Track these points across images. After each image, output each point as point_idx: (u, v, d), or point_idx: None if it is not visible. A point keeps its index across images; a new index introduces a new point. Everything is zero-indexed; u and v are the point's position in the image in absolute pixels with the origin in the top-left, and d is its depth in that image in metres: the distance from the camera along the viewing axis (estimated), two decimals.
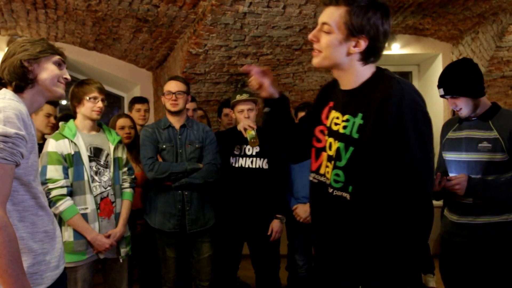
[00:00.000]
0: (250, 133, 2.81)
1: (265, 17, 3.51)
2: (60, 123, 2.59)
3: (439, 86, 2.21)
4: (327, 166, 1.51)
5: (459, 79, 2.15)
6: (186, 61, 4.03)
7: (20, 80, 1.54)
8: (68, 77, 1.66)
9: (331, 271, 1.52)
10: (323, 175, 1.53)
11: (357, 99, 1.45)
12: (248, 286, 3.98)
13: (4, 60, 1.58)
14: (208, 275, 2.92)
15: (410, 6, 4.35)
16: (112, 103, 5.94)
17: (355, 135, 1.41)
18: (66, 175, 2.39)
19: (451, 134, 2.29)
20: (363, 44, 1.40)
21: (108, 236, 2.48)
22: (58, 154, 2.38)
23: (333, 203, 1.47)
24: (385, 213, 1.38)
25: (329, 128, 1.52)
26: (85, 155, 2.44)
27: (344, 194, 1.44)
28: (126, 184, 2.68)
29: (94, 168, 2.47)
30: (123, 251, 2.57)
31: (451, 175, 2.21)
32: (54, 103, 3.30)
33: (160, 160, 2.85)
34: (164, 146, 2.85)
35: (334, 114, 1.52)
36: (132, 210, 2.69)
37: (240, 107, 2.98)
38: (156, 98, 5.35)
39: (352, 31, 1.38)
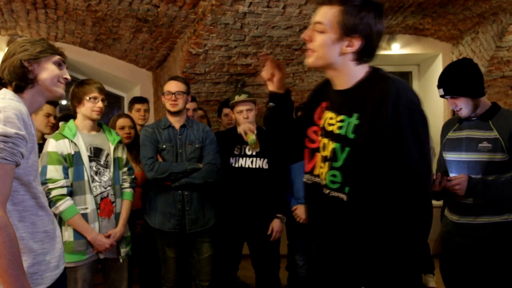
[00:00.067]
0: (251, 137, 2.81)
1: (265, 17, 3.51)
2: (60, 123, 2.59)
3: (439, 86, 2.21)
4: (321, 167, 1.50)
5: (459, 79, 2.15)
6: (186, 61, 4.03)
7: (20, 80, 1.54)
8: (68, 77, 1.66)
9: (331, 271, 1.52)
10: (318, 176, 1.52)
11: (352, 99, 1.44)
12: (248, 286, 3.98)
13: (4, 60, 1.58)
14: (208, 275, 2.92)
15: (410, 6, 4.35)
16: (112, 103, 5.94)
17: (351, 136, 1.41)
18: (66, 175, 2.39)
19: (451, 134, 2.29)
20: (356, 43, 1.39)
21: (108, 236, 2.48)
22: (58, 154, 2.38)
23: (329, 204, 1.47)
24: (384, 213, 1.38)
25: (323, 129, 1.51)
26: (85, 155, 2.44)
27: (341, 195, 1.43)
28: (126, 184, 2.68)
29: (94, 168, 2.48)
30: (123, 251, 2.57)
31: (451, 175, 2.21)
32: (53, 103, 3.30)
33: (160, 160, 2.85)
34: (164, 146, 2.85)
35: (328, 114, 1.51)
36: (132, 210, 2.69)
37: (239, 107, 2.99)
38: (156, 98, 5.35)
39: (345, 31, 1.38)
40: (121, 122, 3.29)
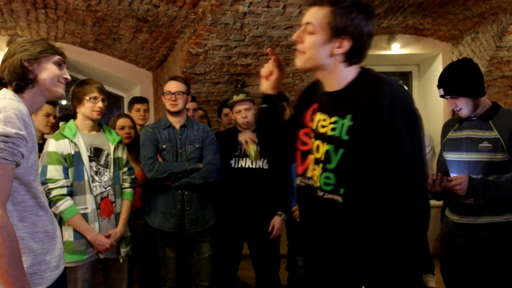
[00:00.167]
0: (251, 148, 2.81)
1: (265, 17, 3.51)
2: (61, 123, 2.59)
3: (439, 86, 2.21)
4: (314, 169, 1.49)
5: (459, 79, 2.15)
6: (186, 61, 4.03)
7: (20, 80, 1.54)
8: (68, 77, 1.66)
9: (329, 272, 1.52)
10: (310, 178, 1.51)
11: (344, 100, 1.43)
12: (248, 286, 3.98)
13: (4, 60, 1.58)
14: (208, 275, 2.92)
15: (410, 6, 4.35)
16: (112, 103, 5.94)
17: (345, 137, 1.40)
18: (66, 175, 2.39)
19: (451, 134, 2.29)
20: (346, 45, 1.38)
21: (108, 236, 2.48)
22: (58, 154, 2.38)
23: (324, 206, 1.46)
24: (381, 213, 1.38)
25: (315, 131, 1.50)
26: (85, 155, 2.44)
27: (336, 197, 1.42)
28: (126, 184, 2.68)
29: (94, 168, 2.48)
30: (123, 251, 2.57)
31: (451, 175, 2.21)
32: (53, 102, 3.30)
33: (160, 160, 2.85)
34: (164, 146, 2.85)
35: (319, 116, 1.50)
36: (132, 210, 2.70)
37: (237, 107, 2.99)
38: (156, 98, 5.35)
39: (335, 32, 1.37)
40: (121, 122, 3.29)
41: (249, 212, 3.00)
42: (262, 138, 1.75)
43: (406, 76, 5.92)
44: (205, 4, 3.48)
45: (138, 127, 3.49)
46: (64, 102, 5.56)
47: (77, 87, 2.53)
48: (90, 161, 2.46)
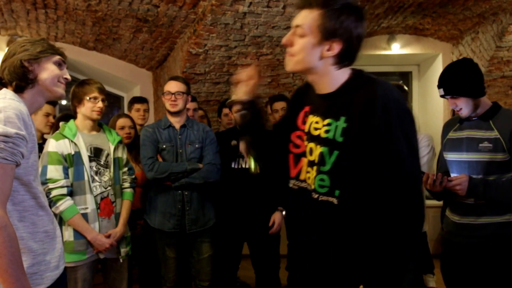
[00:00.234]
0: (252, 159, 2.81)
1: (265, 17, 3.51)
2: (61, 123, 2.59)
3: (439, 86, 2.21)
4: (307, 172, 1.49)
5: (459, 79, 2.14)
6: (186, 61, 4.03)
7: (21, 80, 1.54)
8: (69, 77, 1.66)
9: (326, 274, 1.52)
10: (304, 181, 1.51)
11: (338, 102, 1.43)
12: (248, 286, 3.98)
13: (4, 60, 1.58)
14: (208, 275, 2.92)
15: (410, 6, 4.35)
16: (112, 103, 5.94)
17: (339, 139, 1.40)
18: (66, 175, 2.39)
19: (452, 134, 2.28)
20: (336, 47, 1.38)
21: (108, 236, 2.48)
22: (58, 154, 2.38)
23: (319, 208, 1.45)
24: (378, 214, 1.38)
25: (309, 133, 1.50)
26: (85, 155, 2.44)
27: (331, 199, 1.42)
28: (126, 184, 2.68)
29: (94, 168, 2.48)
30: (123, 251, 2.57)
31: (452, 175, 2.21)
32: (53, 102, 3.30)
33: (160, 160, 2.85)
34: (164, 146, 2.85)
35: (312, 118, 1.50)
36: (132, 210, 2.70)
37: (236, 107, 2.99)
38: (156, 98, 5.35)
39: (326, 34, 1.36)
40: (121, 122, 3.29)
41: (249, 212, 3.00)
42: (248, 144, 1.74)
43: (406, 76, 5.92)
44: (205, 4, 3.48)
45: (138, 127, 3.49)
46: (64, 102, 5.56)
47: (77, 87, 2.53)
48: (90, 161, 2.47)
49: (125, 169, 2.68)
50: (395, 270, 1.40)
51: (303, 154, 1.51)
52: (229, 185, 3.02)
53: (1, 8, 4.10)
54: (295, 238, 1.59)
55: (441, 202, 2.50)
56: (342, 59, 1.40)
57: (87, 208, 2.43)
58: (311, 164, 1.48)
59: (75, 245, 2.40)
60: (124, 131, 3.23)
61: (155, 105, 5.37)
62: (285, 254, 3.41)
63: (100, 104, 2.50)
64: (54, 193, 2.34)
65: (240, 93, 1.63)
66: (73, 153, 2.42)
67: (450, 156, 2.26)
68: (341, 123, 1.40)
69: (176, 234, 2.84)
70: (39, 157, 2.02)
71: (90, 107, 2.48)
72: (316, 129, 1.47)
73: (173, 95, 2.83)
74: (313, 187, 1.46)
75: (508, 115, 2.13)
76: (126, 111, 4.92)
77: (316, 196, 1.46)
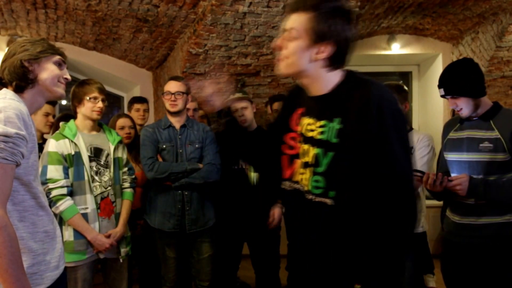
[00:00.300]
0: (252, 173, 2.83)
1: (265, 17, 3.51)
2: (61, 123, 2.60)
3: (439, 86, 2.21)
4: (302, 173, 1.50)
5: (459, 79, 2.14)
6: (186, 61, 4.03)
7: (21, 80, 1.54)
8: (69, 77, 1.66)
9: (322, 274, 1.52)
10: (297, 182, 1.52)
11: (332, 103, 1.44)
12: (248, 286, 3.98)
13: (4, 60, 1.58)
14: (208, 275, 2.92)
15: (410, 6, 4.35)
16: (112, 103, 5.94)
17: (334, 140, 1.41)
18: (66, 175, 2.39)
19: (452, 134, 2.28)
20: (327, 50, 1.38)
21: (108, 236, 2.48)
22: (58, 154, 2.38)
23: (314, 209, 1.46)
24: (373, 213, 1.39)
25: (303, 135, 1.51)
26: (85, 155, 2.45)
27: (326, 200, 1.43)
28: (127, 184, 2.68)
29: (94, 168, 2.48)
30: (123, 251, 2.57)
31: (452, 175, 2.21)
32: (52, 102, 3.30)
33: (160, 160, 2.85)
34: (164, 146, 2.85)
35: (306, 120, 1.51)
36: (132, 210, 2.70)
37: (234, 106, 3.00)
38: (156, 98, 5.35)
39: (316, 37, 1.37)
40: (121, 122, 3.29)
41: (249, 212, 3.00)
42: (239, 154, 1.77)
43: (406, 76, 5.92)
44: (205, 4, 3.48)
45: (138, 127, 3.49)
46: (64, 102, 5.56)
47: (77, 87, 2.53)
48: (90, 161, 2.47)
49: (125, 169, 2.68)
50: (391, 268, 1.40)
51: (297, 156, 1.52)
52: (229, 184, 3.02)
53: (1, 8, 4.10)
54: (294, 238, 1.59)
55: (441, 202, 2.50)
56: (333, 62, 1.41)
57: (87, 208, 2.43)
58: (305, 165, 1.48)
59: (75, 245, 2.40)
60: (124, 131, 3.23)
61: (155, 105, 5.37)
62: (285, 254, 3.40)
63: (100, 104, 2.50)
64: (54, 193, 2.34)
65: (210, 109, 1.65)
66: (73, 153, 2.42)
67: (450, 156, 2.26)
68: (336, 125, 1.41)
69: (176, 234, 2.84)
70: (39, 157, 2.03)
71: (90, 107, 2.48)
72: (310, 130, 1.48)
73: (173, 95, 2.83)
74: (308, 188, 1.47)
75: (509, 115, 2.12)
76: (126, 111, 4.92)
77: (310, 197, 1.47)
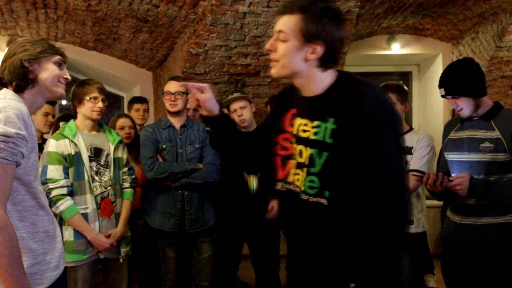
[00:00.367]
0: (252, 179, 2.83)
1: (265, 17, 3.51)
2: (61, 123, 2.60)
3: (440, 86, 2.20)
4: (296, 174, 1.50)
5: (459, 79, 2.14)
6: (186, 61, 4.03)
7: (21, 80, 1.54)
8: (69, 77, 1.66)
9: (318, 274, 1.52)
10: (291, 183, 1.52)
11: (325, 104, 1.45)
12: (248, 286, 3.98)
13: (4, 60, 1.58)
14: (208, 275, 2.92)
15: (410, 6, 4.35)
16: (112, 103, 5.94)
17: (328, 140, 1.41)
18: (66, 175, 2.39)
19: (453, 134, 2.28)
20: (319, 50, 1.40)
21: (108, 236, 2.48)
22: (58, 154, 2.38)
23: (309, 210, 1.47)
24: (368, 212, 1.39)
25: (297, 136, 1.51)
26: (85, 155, 2.45)
27: (321, 200, 1.44)
28: (127, 184, 2.68)
29: (94, 168, 2.48)
30: (123, 251, 2.57)
31: (453, 175, 2.20)
32: (52, 102, 3.30)
33: (160, 160, 2.85)
34: (164, 146, 2.85)
35: (300, 121, 1.51)
36: (132, 210, 2.70)
37: (232, 106, 3.01)
38: (156, 98, 5.35)
39: (307, 38, 1.39)
40: (121, 122, 3.29)
41: (249, 212, 3.00)
42: (231, 156, 1.77)
43: (406, 76, 5.92)
44: (205, 4, 3.48)
45: (138, 127, 3.49)
46: (64, 102, 5.56)
47: (77, 87, 2.53)
48: (90, 161, 2.47)
49: (125, 169, 2.69)
50: (384, 267, 1.41)
51: (291, 157, 1.52)
52: (229, 184, 3.02)
53: (1, 8, 4.10)
54: (294, 238, 1.60)
55: (441, 202, 2.50)
56: (326, 61, 1.43)
57: (87, 208, 2.43)
58: (299, 166, 1.49)
59: (75, 245, 2.40)
60: (124, 131, 3.23)
61: (155, 105, 5.37)
62: (285, 254, 3.40)
63: (100, 104, 2.50)
64: (54, 193, 2.34)
65: (202, 112, 1.63)
66: (73, 153, 2.42)
67: (451, 156, 2.26)
68: (330, 125, 1.42)
69: (176, 234, 2.84)
70: (39, 157, 2.03)
71: (90, 107, 2.49)
72: (304, 131, 1.49)
73: (173, 95, 2.83)
74: (302, 188, 1.48)
75: (510, 115, 2.12)
76: (126, 111, 4.92)
77: (305, 197, 1.47)
